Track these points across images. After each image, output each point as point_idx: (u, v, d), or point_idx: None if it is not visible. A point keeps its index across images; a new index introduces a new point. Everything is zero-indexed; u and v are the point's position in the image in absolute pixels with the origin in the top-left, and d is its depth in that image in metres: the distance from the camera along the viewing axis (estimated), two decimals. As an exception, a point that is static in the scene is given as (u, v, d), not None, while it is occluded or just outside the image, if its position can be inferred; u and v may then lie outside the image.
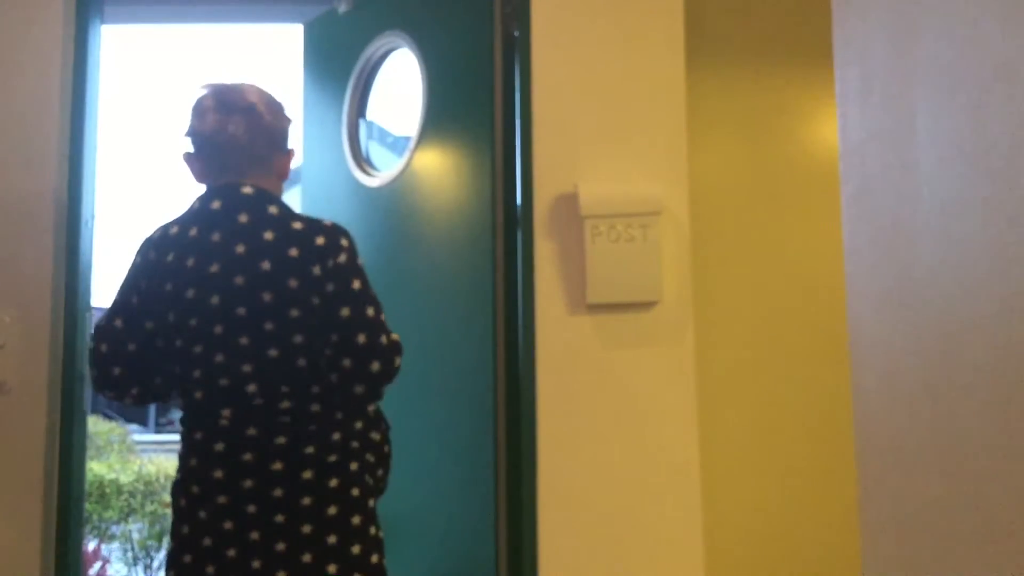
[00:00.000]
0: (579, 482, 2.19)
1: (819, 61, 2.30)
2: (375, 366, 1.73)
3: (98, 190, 2.35)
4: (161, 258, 1.77)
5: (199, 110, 1.81)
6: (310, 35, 2.82)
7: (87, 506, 4.92)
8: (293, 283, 1.71)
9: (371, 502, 1.79)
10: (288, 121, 1.88)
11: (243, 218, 1.74)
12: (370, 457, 1.81)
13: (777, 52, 2.68)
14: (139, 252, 1.82)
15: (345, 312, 1.73)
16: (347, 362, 1.73)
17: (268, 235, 1.73)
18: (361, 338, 1.72)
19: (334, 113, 2.69)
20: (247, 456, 1.69)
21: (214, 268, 1.72)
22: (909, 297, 0.98)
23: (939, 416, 0.92)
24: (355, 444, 1.77)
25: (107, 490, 5.70)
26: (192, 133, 1.82)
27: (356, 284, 1.76)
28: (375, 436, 1.84)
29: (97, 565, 4.72)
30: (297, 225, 1.75)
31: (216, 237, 1.73)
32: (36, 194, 2.18)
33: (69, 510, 2.13)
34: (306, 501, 1.69)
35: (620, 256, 2.21)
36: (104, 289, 2.44)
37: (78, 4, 2.26)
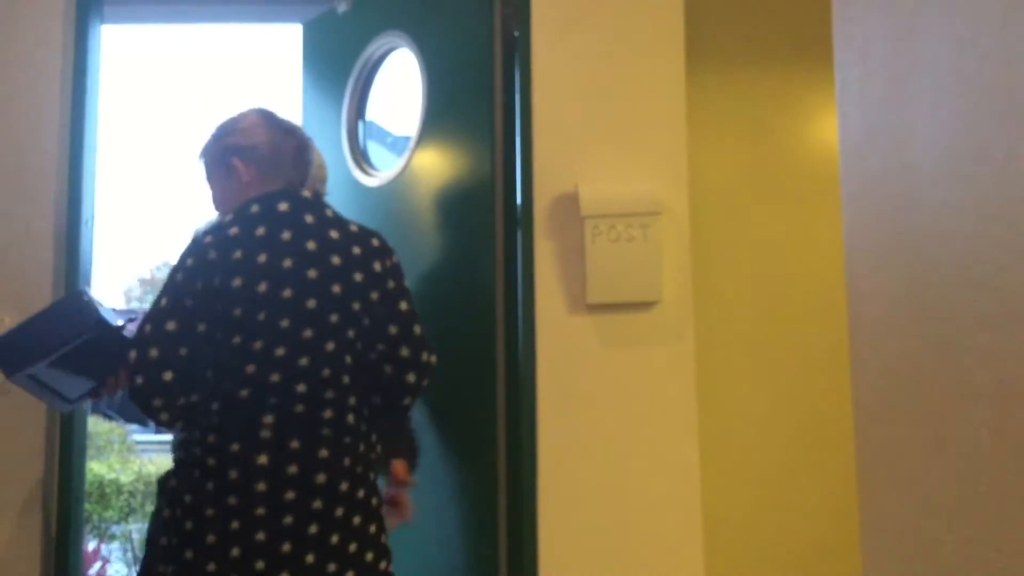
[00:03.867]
0: (579, 482, 2.19)
1: (819, 61, 2.30)
2: (424, 356, 1.90)
3: (98, 190, 2.35)
4: (225, 256, 1.80)
5: (248, 128, 1.94)
6: (309, 35, 2.82)
7: (87, 506, 4.92)
8: (358, 277, 1.84)
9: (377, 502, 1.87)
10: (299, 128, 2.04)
11: (309, 218, 1.86)
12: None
13: (777, 52, 2.68)
14: (190, 254, 1.83)
15: (404, 306, 1.89)
16: (405, 351, 1.86)
17: (334, 234, 1.86)
18: (417, 329, 1.90)
19: (333, 113, 2.69)
20: (291, 469, 1.74)
21: (287, 263, 1.80)
22: (909, 297, 0.98)
23: (938, 415, 0.92)
24: (372, 454, 1.86)
25: (107, 490, 5.70)
26: (247, 146, 1.92)
27: (406, 282, 1.94)
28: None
29: (97, 565, 4.72)
30: (353, 228, 1.90)
31: (287, 235, 1.82)
32: (36, 194, 2.18)
33: (69, 510, 2.13)
34: (339, 512, 1.76)
35: (620, 256, 2.21)
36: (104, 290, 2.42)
37: (78, 4, 2.26)
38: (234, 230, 1.82)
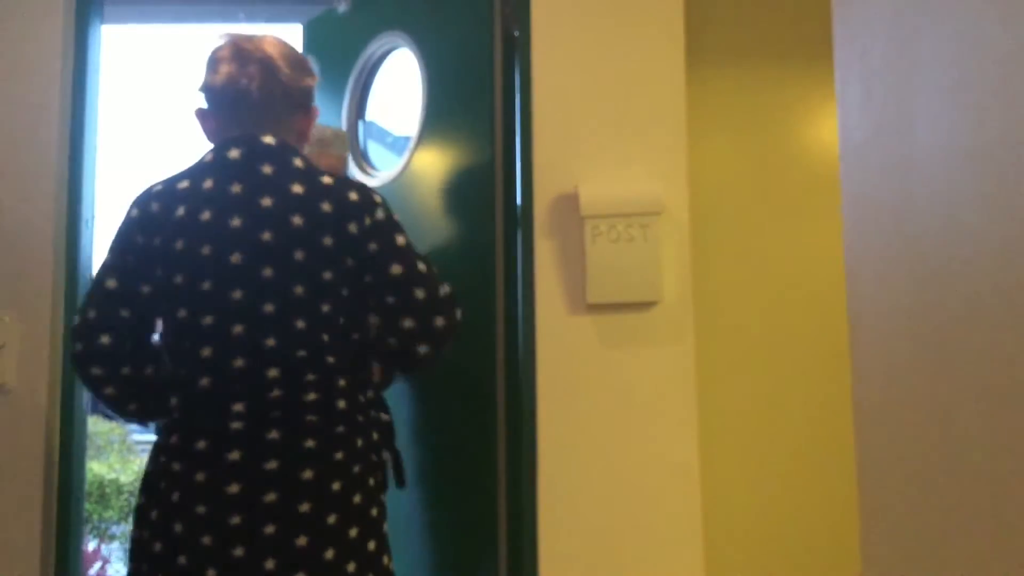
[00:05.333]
0: (579, 482, 2.19)
1: (819, 61, 2.30)
2: (439, 321, 1.60)
3: (98, 190, 2.35)
4: (167, 212, 1.56)
5: (213, 61, 1.66)
6: (309, 35, 2.82)
7: (87, 506, 4.93)
8: (328, 241, 1.54)
9: (380, 515, 1.64)
10: (311, 78, 1.74)
11: (267, 169, 1.56)
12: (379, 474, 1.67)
13: (777, 52, 2.67)
14: (135, 205, 1.61)
15: (396, 270, 1.58)
16: (408, 323, 1.57)
17: (297, 188, 1.55)
18: (420, 294, 1.58)
19: (333, 113, 2.69)
20: (269, 464, 1.48)
21: (236, 222, 1.53)
22: (909, 297, 0.98)
23: (940, 416, 0.92)
24: (374, 456, 1.63)
25: (107, 490, 5.70)
26: (204, 87, 1.67)
27: (401, 240, 1.62)
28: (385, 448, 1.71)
29: (97, 565, 4.73)
30: (327, 180, 1.59)
31: (237, 189, 1.54)
32: (36, 194, 2.18)
33: (69, 510, 2.13)
34: (331, 520, 1.50)
35: (620, 256, 2.21)
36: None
37: (78, 4, 2.26)
38: (183, 183, 1.58)
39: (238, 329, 1.51)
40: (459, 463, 2.34)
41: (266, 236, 1.52)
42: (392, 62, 2.63)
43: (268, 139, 1.61)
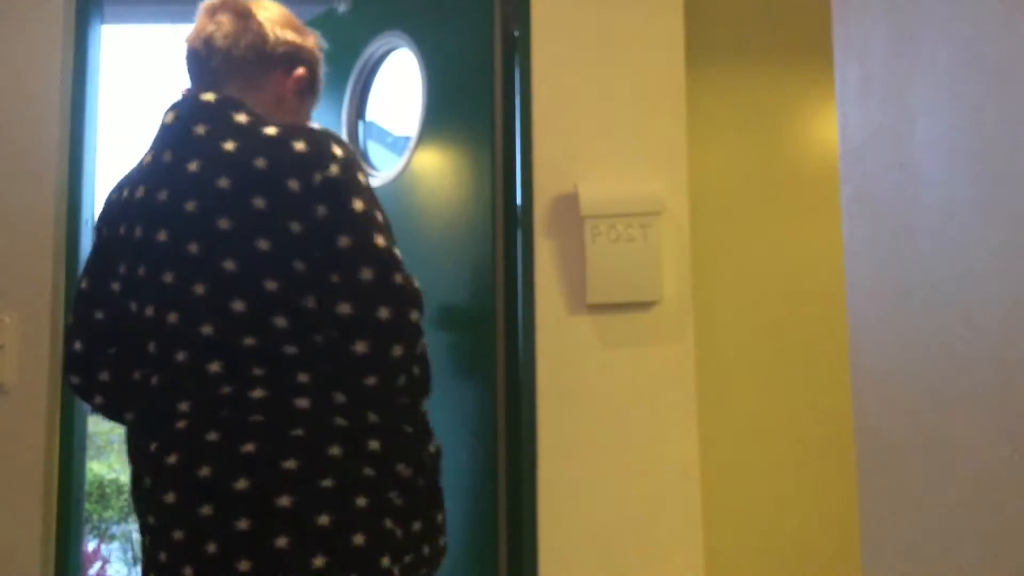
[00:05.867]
0: (579, 482, 2.19)
1: (819, 61, 2.30)
2: (383, 313, 1.25)
3: (98, 190, 2.35)
4: (116, 196, 1.43)
5: (199, 13, 1.50)
6: (310, 35, 2.82)
7: (87, 506, 4.93)
8: (259, 203, 1.27)
9: (386, 561, 1.29)
10: (302, 38, 1.55)
11: (200, 130, 1.34)
12: (396, 498, 1.33)
13: (777, 52, 2.67)
14: (108, 195, 1.49)
15: (344, 242, 1.27)
16: (346, 307, 1.25)
17: (229, 145, 1.30)
18: (367, 274, 1.26)
19: (333, 113, 2.69)
20: (204, 471, 1.24)
21: (162, 196, 1.32)
22: (909, 297, 0.98)
23: (939, 416, 0.92)
24: (368, 470, 1.30)
25: (107, 490, 5.70)
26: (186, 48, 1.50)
27: (357, 204, 1.29)
28: (402, 465, 1.35)
29: (97, 565, 4.73)
30: (270, 131, 1.32)
31: (167, 157, 1.34)
32: (36, 194, 2.18)
33: (69, 510, 2.13)
34: (281, 543, 1.22)
35: (620, 256, 2.21)
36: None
37: (78, 4, 2.26)
38: (147, 158, 1.41)
39: (173, 318, 1.30)
40: (459, 462, 2.34)
41: (190, 206, 1.29)
42: (392, 62, 2.63)
43: (207, 96, 1.38)
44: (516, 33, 2.30)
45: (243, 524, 1.22)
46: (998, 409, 0.81)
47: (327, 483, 1.25)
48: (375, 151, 2.70)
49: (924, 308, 0.95)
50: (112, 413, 1.46)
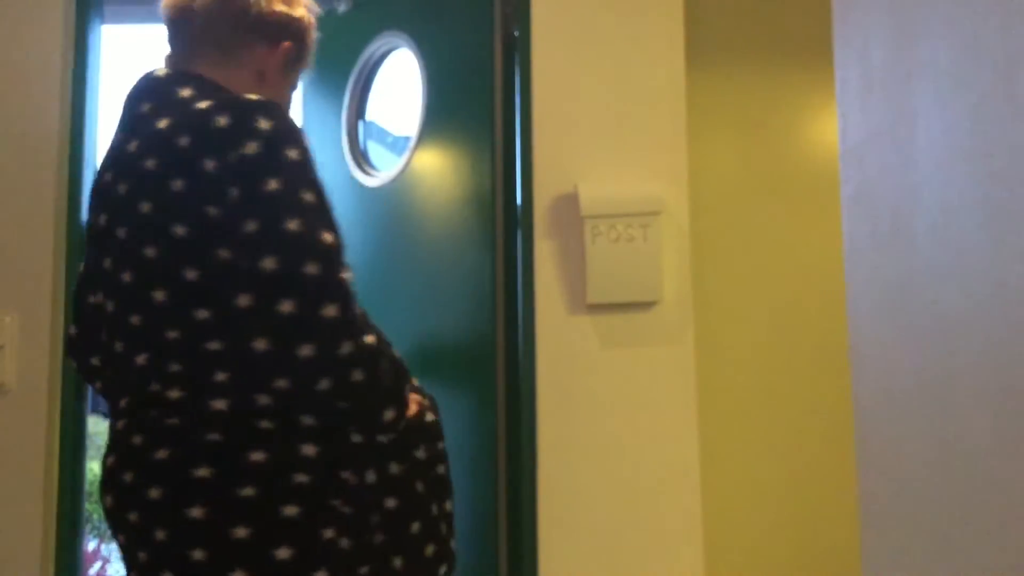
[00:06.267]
0: (579, 482, 2.19)
1: (819, 61, 2.30)
2: (285, 307, 1.12)
3: (98, 190, 2.35)
4: (96, 182, 1.37)
5: None
6: (310, 35, 2.81)
7: (87, 506, 4.93)
8: (178, 185, 1.17)
9: (322, 575, 1.18)
10: (294, 9, 1.46)
11: (144, 108, 1.27)
12: (341, 507, 1.21)
13: (777, 52, 2.67)
14: None
15: (250, 227, 1.14)
16: (244, 300, 1.15)
17: (162, 123, 1.21)
18: (269, 264, 1.13)
19: (334, 113, 2.69)
20: (127, 477, 1.19)
21: (107, 178, 1.28)
22: (909, 297, 0.98)
23: (938, 416, 0.92)
24: (301, 477, 1.18)
25: (107, 490, 5.69)
26: None
27: (271, 185, 1.15)
28: (350, 472, 1.23)
29: (97, 565, 4.72)
30: (202, 105, 1.22)
31: (118, 138, 1.29)
32: (36, 194, 2.18)
33: (69, 510, 2.13)
34: (198, 556, 1.14)
35: (620, 256, 2.21)
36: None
37: (78, 4, 2.26)
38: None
39: (110, 307, 1.25)
40: (459, 462, 2.34)
41: (122, 189, 1.23)
42: (392, 62, 2.63)
43: (160, 71, 1.33)
44: (516, 33, 2.31)
45: (160, 535, 1.16)
46: (998, 408, 0.81)
47: (247, 492, 1.15)
48: (375, 151, 2.70)
49: (924, 308, 0.95)
50: (109, 398, 1.42)
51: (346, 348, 1.15)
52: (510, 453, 2.23)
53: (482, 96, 2.32)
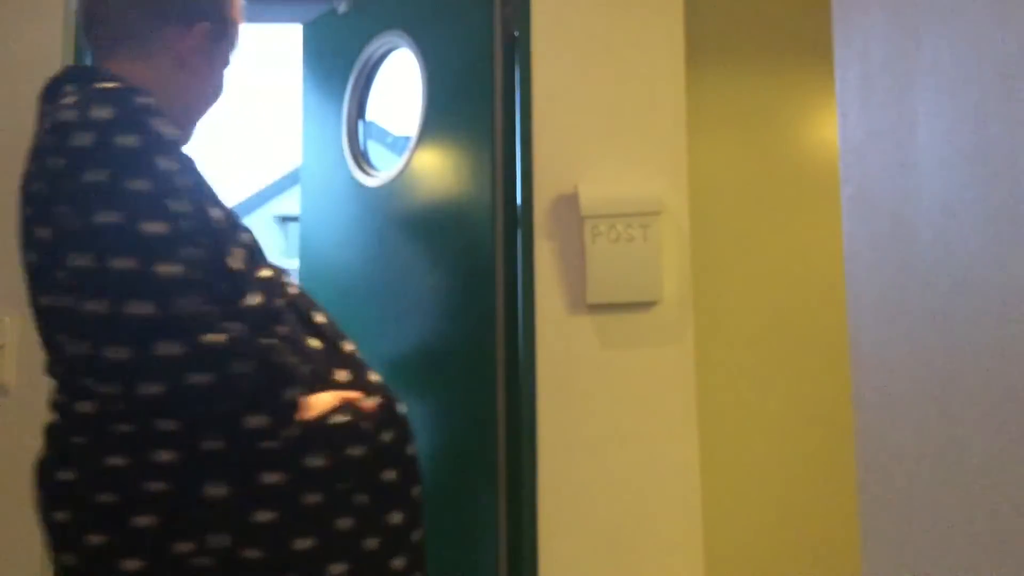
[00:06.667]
0: (579, 482, 2.19)
1: (819, 61, 2.30)
2: (90, 306, 1.07)
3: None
4: None
5: None
6: (309, 35, 2.82)
7: (87, 506, 4.93)
8: (36, 187, 1.14)
9: None
10: None
11: (43, 108, 1.26)
12: (198, 516, 1.14)
13: (777, 52, 2.67)
14: None
15: (68, 222, 1.10)
16: (46, 300, 1.18)
17: (46, 124, 1.19)
18: (76, 260, 1.08)
19: (334, 113, 2.69)
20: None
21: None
22: (909, 297, 0.98)
23: (939, 416, 0.92)
24: (156, 485, 1.12)
25: (107, 490, 5.69)
26: None
27: (92, 175, 1.09)
28: (211, 484, 1.12)
29: (97, 565, 4.71)
30: (69, 100, 1.17)
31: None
32: (36, 194, 2.18)
33: (69, 510, 2.13)
34: (67, 560, 1.15)
35: (620, 256, 2.21)
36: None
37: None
38: None
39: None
40: (459, 462, 2.34)
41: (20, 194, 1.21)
42: (392, 62, 2.63)
43: (57, 73, 1.30)
44: (516, 34, 2.31)
45: (47, 538, 1.17)
46: (999, 408, 0.81)
47: (104, 498, 1.10)
48: (375, 151, 2.70)
49: (923, 307, 0.95)
50: None
51: (167, 349, 1.06)
52: (510, 453, 2.23)
53: (482, 96, 2.32)
